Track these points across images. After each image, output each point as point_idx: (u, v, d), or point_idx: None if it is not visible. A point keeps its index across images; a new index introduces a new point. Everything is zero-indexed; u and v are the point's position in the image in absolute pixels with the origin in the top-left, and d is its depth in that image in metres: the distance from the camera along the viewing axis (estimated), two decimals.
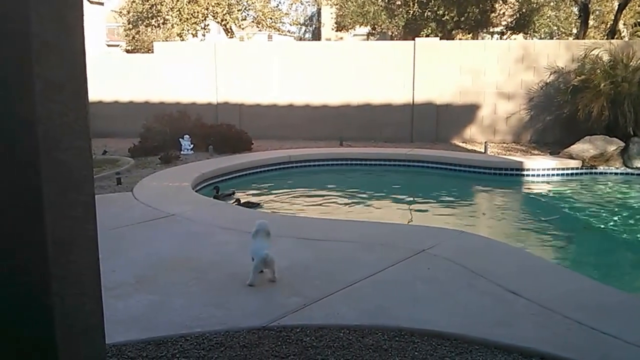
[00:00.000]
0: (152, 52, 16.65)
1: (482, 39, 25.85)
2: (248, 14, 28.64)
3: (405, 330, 3.79)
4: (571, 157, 11.30)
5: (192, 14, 25.41)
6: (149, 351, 3.53)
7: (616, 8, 21.32)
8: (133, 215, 7.09)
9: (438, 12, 21.07)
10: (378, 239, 5.91)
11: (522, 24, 23.65)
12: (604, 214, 8.69)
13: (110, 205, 7.60)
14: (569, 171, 11.10)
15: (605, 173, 11.08)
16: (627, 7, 21.30)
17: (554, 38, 27.16)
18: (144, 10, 25.90)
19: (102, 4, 36.35)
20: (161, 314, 4.09)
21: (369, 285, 4.60)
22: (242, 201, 8.77)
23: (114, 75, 15.97)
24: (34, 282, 1.94)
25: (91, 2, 33.31)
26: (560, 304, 4.16)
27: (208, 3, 25.60)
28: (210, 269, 5.06)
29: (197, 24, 25.96)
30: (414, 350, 3.54)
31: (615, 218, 8.54)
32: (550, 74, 14.08)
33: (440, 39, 17.59)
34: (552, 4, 24.54)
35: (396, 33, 24.57)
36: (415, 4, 21.59)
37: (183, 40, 25.03)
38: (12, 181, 1.90)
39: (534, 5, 22.85)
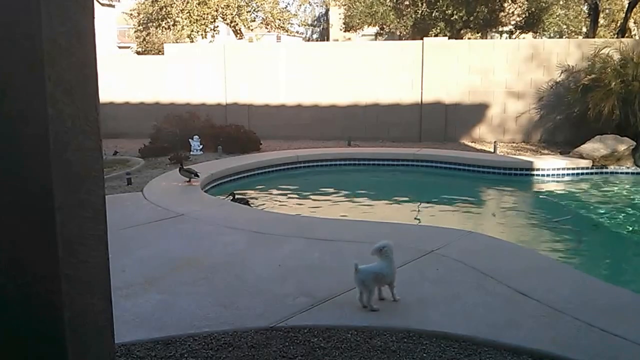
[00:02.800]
0: (163, 53, 16.73)
1: (491, 38, 25.78)
2: (257, 16, 28.69)
3: (414, 332, 3.78)
4: (581, 157, 11.24)
5: (201, 16, 25.49)
6: (157, 351, 3.55)
7: (626, 6, 21.20)
8: (143, 215, 7.12)
9: (447, 12, 21.02)
10: (386, 239, 5.89)
11: (531, 23, 23.56)
12: (615, 214, 8.64)
13: (120, 205, 7.63)
14: (580, 171, 11.04)
15: (616, 173, 11.01)
16: (637, 6, 21.15)
17: (564, 37, 27.02)
18: (154, 12, 26.00)
19: (112, 6, 36.50)
20: (170, 313, 4.11)
21: None
22: (236, 196, 8.78)
23: (125, 76, 16.07)
24: (43, 282, 1.96)
25: (102, 5, 33.45)
26: (570, 305, 4.14)
27: (217, 5, 25.66)
28: (218, 268, 5.08)
29: (207, 26, 26.03)
30: (423, 352, 3.54)
31: (627, 218, 8.49)
32: (561, 73, 14.01)
33: (449, 38, 17.57)
34: (561, 2, 24.42)
35: (404, 33, 24.53)
36: (424, 4, 21.56)
37: (193, 41, 25.10)
38: (23, 182, 1.91)
39: (543, 4, 22.75)
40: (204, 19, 25.65)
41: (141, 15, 27.13)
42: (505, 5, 22.67)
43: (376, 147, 13.44)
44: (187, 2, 25.32)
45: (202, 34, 26.06)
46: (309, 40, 40.91)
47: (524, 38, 23.60)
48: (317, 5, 36.64)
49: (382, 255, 4.24)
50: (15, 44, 1.84)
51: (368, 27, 25.83)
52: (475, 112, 14.77)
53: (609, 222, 8.30)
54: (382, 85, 14.99)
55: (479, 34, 24.60)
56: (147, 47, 27.10)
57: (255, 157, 11.89)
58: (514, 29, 24.85)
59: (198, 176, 9.21)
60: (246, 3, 27.34)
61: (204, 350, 3.54)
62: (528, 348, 3.53)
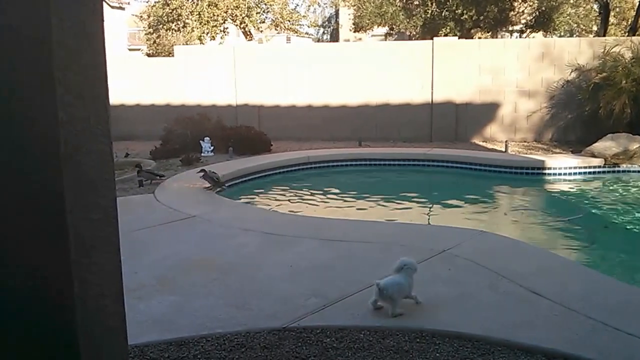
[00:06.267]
0: (173, 55, 16.78)
1: (502, 37, 25.69)
2: (267, 17, 28.70)
3: (427, 332, 3.77)
4: (593, 156, 11.17)
5: (211, 18, 25.53)
6: (170, 352, 3.55)
7: (637, 4, 21.06)
8: (154, 217, 7.14)
9: (456, 12, 20.96)
10: (398, 239, 5.89)
11: (541, 22, 23.44)
12: (627, 213, 8.58)
13: (132, 207, 7.66)
14: (591, 170, 10.97)
15: (628, 171, 10.93)
16: None
17: (574, 35, 26.89)
18: (164, 15, 26.07)
19: (123, 8, 36.62)
20: (182, 314, 4.12)
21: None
22: (207, 172, 9.06)
23: (135, 78, 16.13)
24: (55, 284, 1.96)
25: (112, 7, 33.58)
26: (584, 304, 4.11)
27: (227, 6, 25.70)
28: (230, 270, 5.09)
29: (217, 27, 26.07)
30: (436, 351, 3.52)
31: (639, 216, 8.43)
32: (571, 72, 13.93)
33: (459, 38, 17.53)
34: (571, 1, 24.30)
35: (414, 33, 24.49)
36: (434, 4, 21.51)
37: (203, 43, 25.16)
38: (34, 185, 1.92)
39: (554, 3, 22.63)
40: (214, 20, 25.69)
41: (151, 18, 27.21)
42: (516, 4, 22.57)
43: (387, 147, 13.42)
44: (197, 4, 25.39)
45: (211, 36, 26.12)
46: (319, 41, 40.90)
47: (534, 37, 23.49)
48: (326, 6, 36.61)
49: (402, 273, 4.17)
50: (25, 48, 1.84)
51: (378, 27, 25.78)
52: (486, 112, 14.72)
53: (621, 221, 8.25)
54: (393, 85, 14.97)
55: (489, 34, 24.53)
56: (158, 49, 27.20)
57: (267, 158, 11.90)
58: (524, 28, 24.74)
59: (163, 177, 9.56)
60: (256, 4, 27.36)
61: (216, 352, 3.54)
62: (542, 347, 3.51)
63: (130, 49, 41.13)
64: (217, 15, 25.66)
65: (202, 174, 9.01)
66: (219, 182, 9.04)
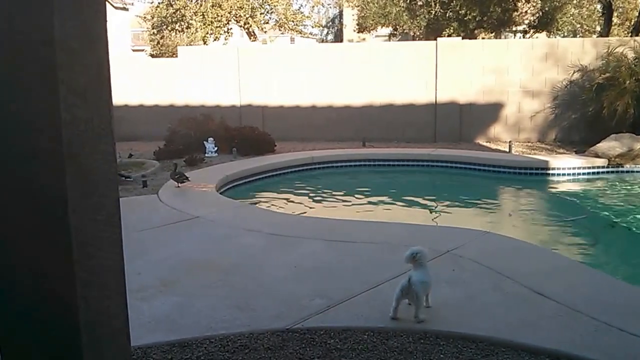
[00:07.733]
0: (177, 56, 16.79)
1: (505, 38, 25.65)
2: (270, 17, 28.68)
3: (431, 333, 3.76)
4: (597, 156, 11.15)
5: (215, 18, 25.53)
6: (173, 353, 3.55)
7: None
8: (158, 217, 7.15)
9: (460, 12, 20.91)
10: (402, 240, 5.87)
11: (545, 22, 23.39)
12: (631, 213, 8.55)
13: (135, 208, 7.66)
14: (595, 170, 10.95)
15: (632, 171, 10.89)
16: None
17: (577, 36, 26.83)
18: (168, 15, 26.08)
19: (126, 9, 36.68)
20: (186, 316, 4.11)
21: (394, 286, 4.56)
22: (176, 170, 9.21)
23: (139, 79, 16.14)
24: (57, 285, 1.96)
25: (115, 8, 33.65)
26: (588, 305, 4.10)
27: (231, 7, 25.70)
28: (234, 270, 5.08)
29: (221, 28, 26.07)
30: (439, 352, 3.52)
31: None
32: (575, 72, 13.91)
33: (463, 38, 17.49)
34: (574, 1, 24.25)
35: (418, 33, 24.46)
36: (437, 4, 21.47)
37: (206, 44, 25.15)
38: (37, 185, 1.92)
39: (557, 4, 22.59)
40: (217, 21, 25.69)
41: (155, 19, 27.22)
42: (519, 4, 22.53)
43: (391, 148, 13.41)
44: (201, 5, 25.40)
45: (215, 37, 26.10)
46: (323, 41, 40.87)
47: (537, 37, 23.45)
48: (330, 7, 36.59)
49: (415, 262, 4.08)
50: (28, 48, 1.84)
51: (381, 27, 25.75)
52: (490, 112, 14.70)
53: (625, 221, 8.21)
54: (397, 85, 14.96)
55: (493, 34, 24.48)
56: (161, 50, 27.22)
57: (270, 159, 11.90)
58: (527, 29, 24.70)
59: (130, 178, 9.61)
60: (259, 5, 27.35)
61: (220, 353, 3.54)
62: (546, 348, 3.50)
63: (134, 50, 41.19)
64: (221, 16, 25.64)
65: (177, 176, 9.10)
66: (181, 176, 9.03)
